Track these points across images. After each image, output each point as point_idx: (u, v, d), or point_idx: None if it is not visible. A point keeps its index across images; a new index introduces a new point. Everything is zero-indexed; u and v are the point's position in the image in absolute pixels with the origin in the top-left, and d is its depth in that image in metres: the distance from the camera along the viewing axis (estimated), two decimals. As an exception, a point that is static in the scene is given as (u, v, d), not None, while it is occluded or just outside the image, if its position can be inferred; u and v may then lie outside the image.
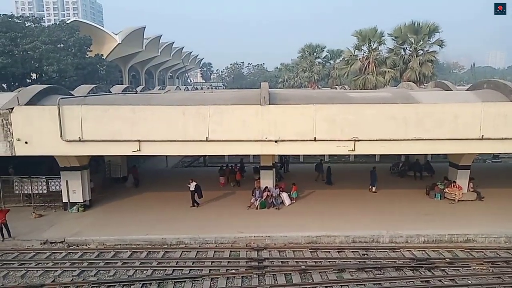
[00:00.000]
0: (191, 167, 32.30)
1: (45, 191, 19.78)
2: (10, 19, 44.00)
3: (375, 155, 30.70)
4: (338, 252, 15.46)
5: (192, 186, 20.03)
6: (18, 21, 44.97)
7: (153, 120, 16.85)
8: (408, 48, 38.15)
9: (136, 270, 14.03)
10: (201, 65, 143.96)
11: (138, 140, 16.87)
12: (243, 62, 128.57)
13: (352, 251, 15.49)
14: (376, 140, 16.92)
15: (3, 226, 16.25)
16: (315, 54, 62.34)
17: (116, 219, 18.59)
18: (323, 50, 61.78)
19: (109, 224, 17.94)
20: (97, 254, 15.34)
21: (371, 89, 36.00)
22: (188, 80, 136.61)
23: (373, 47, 39.23)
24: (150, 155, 21.48)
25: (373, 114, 16.88)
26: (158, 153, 19.01)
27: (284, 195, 20.38)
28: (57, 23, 52.63)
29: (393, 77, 38.25)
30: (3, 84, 43.20)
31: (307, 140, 16.91)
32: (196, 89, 68.35)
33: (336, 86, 52.68)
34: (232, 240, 16.33)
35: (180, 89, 58.46)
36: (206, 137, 16.80)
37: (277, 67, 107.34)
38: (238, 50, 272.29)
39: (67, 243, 16.21)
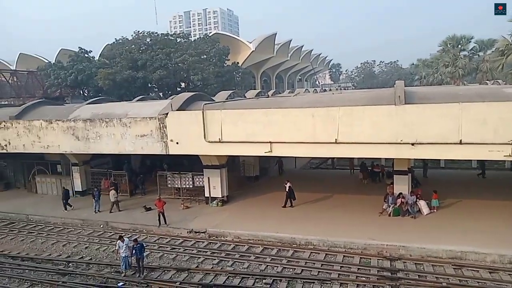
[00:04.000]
0: (319, 169, 32.28)
1: (191, 186, 22.52)
2: (165, 37, 51.49)
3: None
4: (490, 272, 13.37)
5: (287, 187, 20.31)
6: (171, 38, 52.21)
7: (283, 122, 17.46)
8: None
9: (267, 265, 14.74)
10: (329, 66, 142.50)
11: (270, 142, 17.71)
12: (374, 61, 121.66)
13: (509, 274, 13.21)
14: (544, 143, 14.07)
15: (161, 215, 19.01)
16: (459, 46, 55.22)
17: (249, 215, 19.90)
18: (470, 41, 54.21)
19: (243, 219, 19.31)
20: (233, 247, 16.67)
21: (535, 82, 30.13)
22: (317, 82, 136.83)
23: (539, 33, 32.73)
24: (281, 156, 22.31)
25: (539, 113, 14.10)
26: (288, 154, 19.62)
27: (422, 203, 18.64)
28: (201, 36, 59.21)
29: None
30: (159, 93, 50.74)
31: (450, 143, 15.14)
32: (325, 90, 67.94)
33: (487, 81, 45.69)
34: (363, 246, 15.72)
35: (309, 91, 59.03)
36: (335, 139, 16.57)
37: (412, 64, 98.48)
38: (370, 51, 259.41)
39: (208, 234, 18.09)
